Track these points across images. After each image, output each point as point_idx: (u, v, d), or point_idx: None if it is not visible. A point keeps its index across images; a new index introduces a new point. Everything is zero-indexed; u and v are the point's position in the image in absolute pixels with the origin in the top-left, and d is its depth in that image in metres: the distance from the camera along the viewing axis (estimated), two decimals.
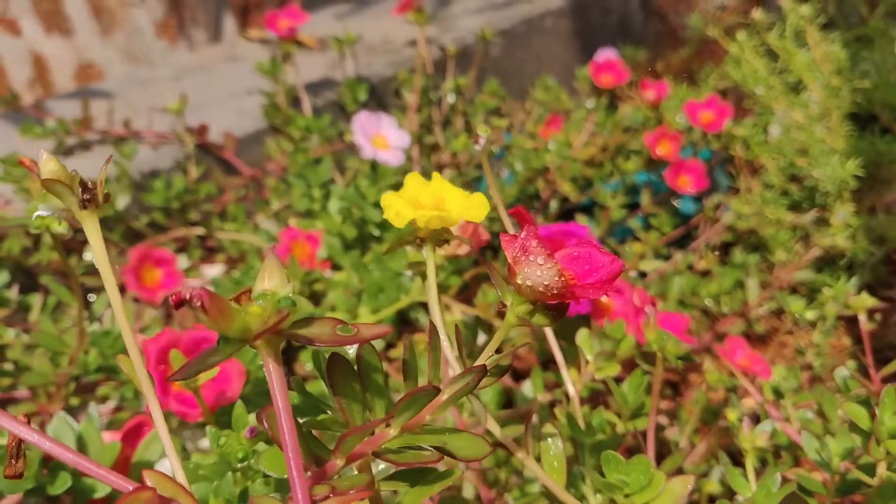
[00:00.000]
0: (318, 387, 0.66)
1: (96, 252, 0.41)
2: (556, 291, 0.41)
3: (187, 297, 0.32)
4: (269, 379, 0.36)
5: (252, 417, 0.59)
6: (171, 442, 0.41)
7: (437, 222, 0.50)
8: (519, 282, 0.42)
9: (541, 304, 0.43)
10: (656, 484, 0.51)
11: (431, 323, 0.44)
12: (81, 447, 0.67)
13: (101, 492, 0.64)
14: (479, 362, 0.44)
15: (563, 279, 0.40)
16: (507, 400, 0.97)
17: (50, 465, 0.63)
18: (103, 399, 0.93)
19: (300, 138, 1.33)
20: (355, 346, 0.44)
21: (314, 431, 0.44)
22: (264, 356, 0.36)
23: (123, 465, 0.71)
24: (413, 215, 0.49)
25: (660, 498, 0.51)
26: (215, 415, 0.71)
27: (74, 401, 0.92)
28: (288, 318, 0.35)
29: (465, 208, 0.50)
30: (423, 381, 0.43)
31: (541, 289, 0.41)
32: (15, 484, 0.60)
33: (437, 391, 0.41)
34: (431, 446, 0.41)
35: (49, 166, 0.40)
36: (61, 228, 0.72)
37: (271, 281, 0.37)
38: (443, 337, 0.48)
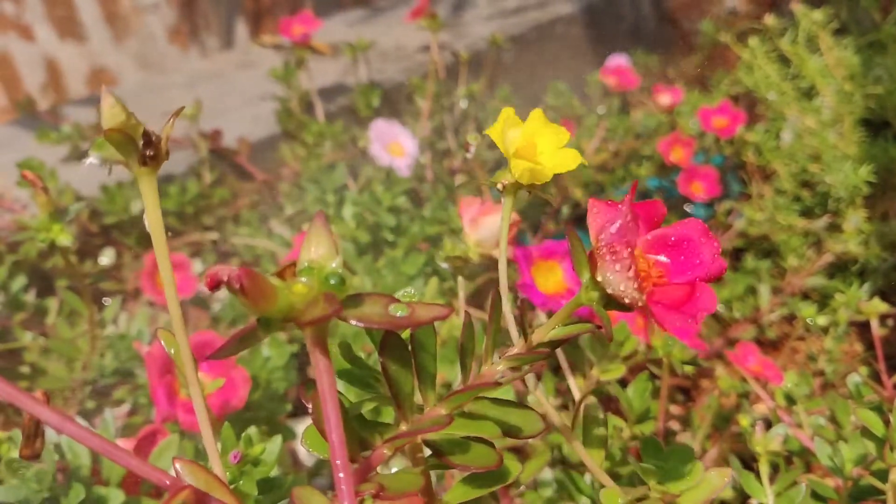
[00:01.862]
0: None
1: (150, 216, 0.37)
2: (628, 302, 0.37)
3: (224, 278, 0.29)
4: (317, 367, 0.32)
5: (253, 431, 0.57)
6: (212, 438, 0.39)
7: (528, 177, 0.44)
8: (598, 279, 0.38)
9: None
10: (695, 473, 0.47)
11: (497, 291, 0.40)
12: (95, 454, 0.66)
13: (115, 502, 0.63)
14: (538, 340, 0.41)
15: (642, 296, 0.37)
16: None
17: (67, 473, 0.62)
18: (118, 402, 0.94)
19: (314, 144, 1.34)
20: None
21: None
22: (310, 342, 0.32)
23: (135, 473, 0.71)
24: (525, 166, 0.43)
25: (698, 488, 0.47)
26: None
27: (90, 404, 0.93)
28: (342, 306, 0.31)
29: (557, 163, 0.45)
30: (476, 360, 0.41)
31: (610, 290, 0.38)
32: (30, 495, 0.58)
33: (498, 386, 0.38)
34: (494, 420, 0.38)
35: (113, 112, 0.35)
36: (67, 242, 0.72)
37: (318, 249, 0.32)
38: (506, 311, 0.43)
